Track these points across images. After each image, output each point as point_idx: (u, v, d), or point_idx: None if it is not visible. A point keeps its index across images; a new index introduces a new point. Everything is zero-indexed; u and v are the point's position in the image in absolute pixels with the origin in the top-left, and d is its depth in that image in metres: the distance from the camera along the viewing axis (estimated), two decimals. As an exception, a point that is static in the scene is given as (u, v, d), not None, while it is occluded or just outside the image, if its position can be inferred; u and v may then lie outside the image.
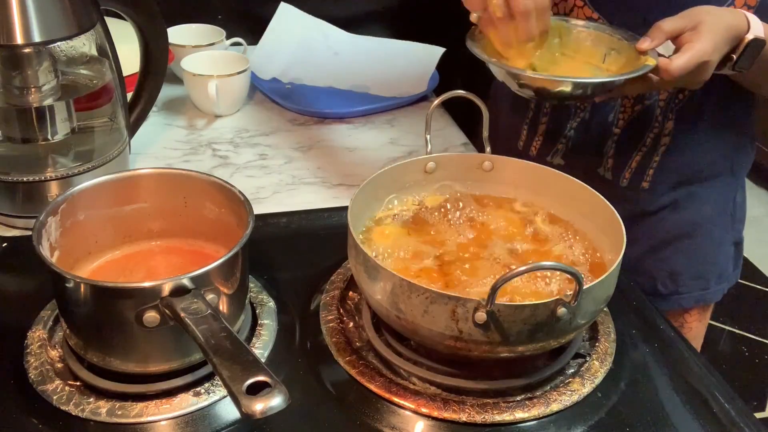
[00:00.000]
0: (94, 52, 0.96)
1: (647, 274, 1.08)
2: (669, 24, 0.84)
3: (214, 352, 0.59)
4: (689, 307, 1.11)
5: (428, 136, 0.86)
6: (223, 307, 0.70)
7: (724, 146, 1.05)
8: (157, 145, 1.14)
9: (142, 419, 0.67)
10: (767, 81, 0.95)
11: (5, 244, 0.91)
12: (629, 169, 1.03)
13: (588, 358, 0.76)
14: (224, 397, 0.70)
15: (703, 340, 1.17)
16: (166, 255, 0.81)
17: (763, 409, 2.08)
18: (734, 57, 0.85)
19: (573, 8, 0.99)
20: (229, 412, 0.69)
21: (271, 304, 0.81)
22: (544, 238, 0.83)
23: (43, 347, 0.74)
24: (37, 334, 0.75)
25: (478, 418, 0.69)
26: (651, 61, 0.84)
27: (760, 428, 0.71)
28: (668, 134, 1.01)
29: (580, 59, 0.93)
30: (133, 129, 1.05)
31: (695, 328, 1.13)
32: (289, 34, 1.40)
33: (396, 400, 0.71)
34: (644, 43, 0.84)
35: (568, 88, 0.84)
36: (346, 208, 0.76)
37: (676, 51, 0.84)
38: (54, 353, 0.74)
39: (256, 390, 0.55)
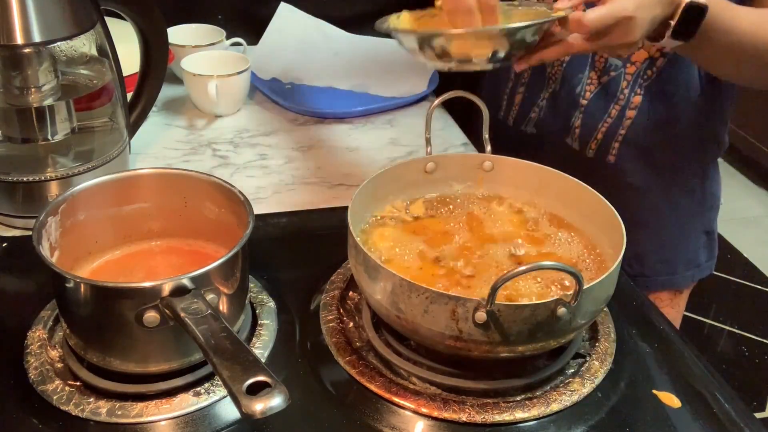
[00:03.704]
0: (94, 52, 0.96)
1: None
2: None
3: (214, 352, 0.59)
4: (656, 290, 1.13)
5: (428, 136, 0.86)
6: (223, 307, 0.70)
7: (693, 132, 1.05)
8: (157, 145, 1.14)
9: (142, 419, 0.67)
10: (724, 59, 0.90)
11: (5, 244, 0.91)
12: (595, 140, 1.05)
13: (588, 358, 0.76)
14: (224, 397, 0.70)
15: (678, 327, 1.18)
16: (166, 255, 0.81)
17: (763, 409, 2.08)
18: (671, 23, 0.79)
19: None
20: (229, 412, 0.69)
21: (271, 304, 0.81)
22: (544, 238, 0.83)
23: (43, 347, 0.74)
24: (37, 334, 0.75)
25: (478, 418, 0.69)
26: (559, 12, 0.77)
27: (760, 428, 0.71)
28: (634, 108, 1.02)
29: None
30: (133, 129, 1.05)
31: (667, 314, 1.13)
32: (289, 34, 1.40)
33: (396, 400, 0.71)
34: (561, 2, 0.78)
35: (469, 44, 0.77)
36: (346, 208, 0.76)
37: None
38: (54, 353, 0.74)
39: (256, 390, 0.55)
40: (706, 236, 1.15)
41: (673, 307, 1.16)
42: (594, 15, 0.75)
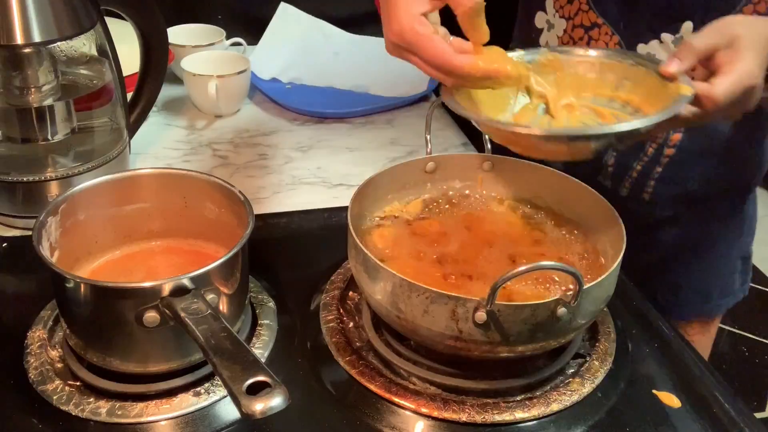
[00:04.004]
0: (94, 52, 0.95)
1: (646, 286, 1.01)
2: (701, 41, 0.69)
3: (214, 352, 0.59)
4: (689, 319, 1.08)
5: (428, 136, 0.86)
6: (223, 307, 0.70)
7: (735, 161, 1.00)
8: (157, 145, 1.14)
9: (142, 419, 0.67)
10: None
11: (5, 244, 0.91)
12: (629, 178, 1.00)
13: (588, 358, 0.76)
14: (224, 397, 0.70)
15: (709, 353, 1.14)
16: (166, 255, 0.81)
17: (763, 409, 2.08)
18: None
19: (578, 12, 0.95)
20: (229, 412, 0.69)
21: (271, 304, 0.81)
22: (543, 237, 0.82)
23: (43, 347, 0.74)
24: (37, 334, 0.75)
25: (478, 418, 0.69)
26: (686, 89, 0.66)
27: (760, 428, 0.71)
28: (673, 146, 0.96)
29: (586, 97, 0.77)
30: (133, 129, 1.05)
31: (698, 341, 1.09)
32: (289, 34, 1.40)
33: (396, 400, 0.71)
34: (671, 66, 0.69)
35: (585, 144, 0.67)
36: (346, 208, 0.76)
37: (711, 75, 0.70)
38: (54, 353, 0.74)
39: (256, 390, 0.55)
40: (741, 262, 1.09)
41: (704, 335, 1.11)
42: (724, 88, 0.67)
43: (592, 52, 0.78)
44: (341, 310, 0.81)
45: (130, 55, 1.02)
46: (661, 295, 1.05)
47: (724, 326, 2.33)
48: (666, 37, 0.88)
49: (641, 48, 0.90)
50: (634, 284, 0.88)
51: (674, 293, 1.06)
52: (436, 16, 0.70)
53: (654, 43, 0.89)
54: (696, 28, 0.86)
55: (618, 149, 0.69)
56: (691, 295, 1.07)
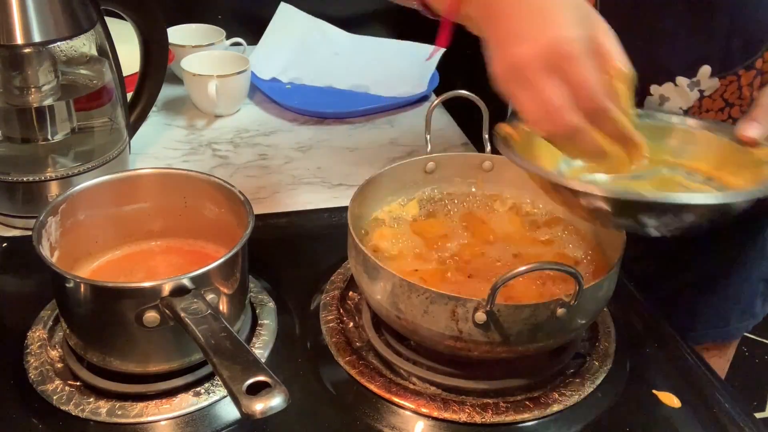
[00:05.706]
0: (94, 52, 0.95)
1: (665, 312, 0.96)
2: None
3: (214, 352, 0.59)
4: (706, 342, 1.05)
5: (428, 136, 0.86)
6: (223, 307, 0.70)
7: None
8: (157, 145, 1.14)
9: (142, 419, 0.67)
10: None
11: (5, 244, 0.91)
12: None
13: (588, 358, 0.76)
14: (224, 397, 0.70)
15: (725, 374, 1.11)
16: (166, 255, 0.81)
17: (763, 409, 2.08)
18: None
19: None
20: (229, 412, 0.69)
21: (271, 304, 0.81)
22: (544, 238, 0.82)
23: (43, 347, 0.74)
24: (37, 334, 0.75)
25: (478, 418, 0.69)
26: None
27: (760, 428, 0.71)
28: None
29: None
30: (133, 129, 1.05)
31: (714, 363, 1.04)
32: (289, 34, 1.40)
33: (396, 400, 0.71)
34: (751, 130, 0.61)
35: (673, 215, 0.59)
36: (346, 208, 0.76)
37: None
38: (54, 353, 0.74)
39: (256, 390, 0.55)
40: (764, 284, 1.04)
41: (721, 357, 1.08)
42: None
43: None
44: (341, 310, 0.81)
45: (130, 55, 1.02)
46: (679, 321, 0.98)
47: (724, 326, 2.33)
48: (681, 80, 0.85)
49: (654, 90, 0.87)
50: (654, 311, 0.87)
51: (692, 319, 1.03)
52: None
53: (668, 85, 0.86)
54: (713, 73, 0.84)
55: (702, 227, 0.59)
56: (709, 320, 1.04)
